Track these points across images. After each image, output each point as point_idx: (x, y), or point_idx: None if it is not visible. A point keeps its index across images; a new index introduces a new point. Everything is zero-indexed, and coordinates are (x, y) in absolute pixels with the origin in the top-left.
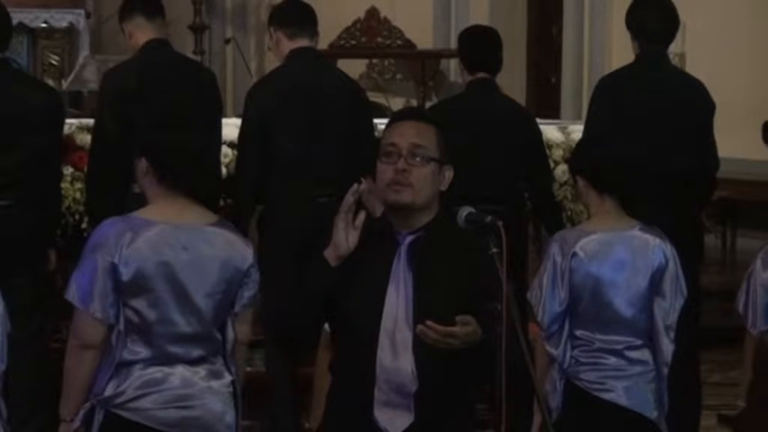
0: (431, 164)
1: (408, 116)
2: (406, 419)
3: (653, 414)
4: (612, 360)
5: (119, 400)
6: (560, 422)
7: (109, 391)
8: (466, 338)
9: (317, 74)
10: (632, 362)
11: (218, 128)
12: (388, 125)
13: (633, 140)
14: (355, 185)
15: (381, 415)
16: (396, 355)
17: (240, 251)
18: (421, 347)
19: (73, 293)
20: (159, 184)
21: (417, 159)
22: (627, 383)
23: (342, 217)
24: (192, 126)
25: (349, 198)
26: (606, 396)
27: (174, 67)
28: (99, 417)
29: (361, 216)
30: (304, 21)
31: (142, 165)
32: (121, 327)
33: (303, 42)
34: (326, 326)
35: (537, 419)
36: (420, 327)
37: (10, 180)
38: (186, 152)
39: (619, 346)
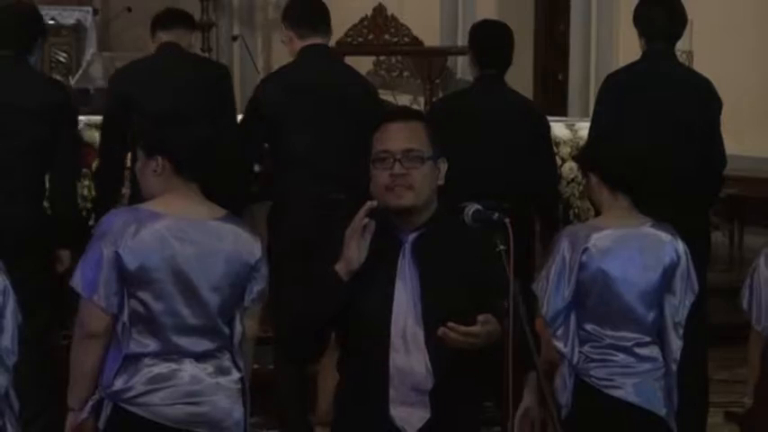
0: (426, 163)
1: (395, 117)
2: (422, 416)
3: (662, 411)
4: (621, 357)
5: (127, 395)
6: (570, 419)
7: (117, 386)
8: (487, 337)
9: (327, 70)
10: (641, 359)
11: (230, 122)
12: (376, 129)
13: (639, 137)
14: (369, 203)
15: (398, 413)
16: (408, 353)
17: (248, 246)
18: (433, 344)
19: (77, 281)
20: (176, 180)
21: (413, 162)
22: (636, 380)
23: (354, 235)
24: (200, 120)
25: (362, 215)
26: (615, 393)
27: (181, 65)
28: (107, 410)
29: (371, 227)
30: (315, 20)
31: (153, 164)
32: (125, 318)
33: (315, 40)
34: None
35: (527, 400)
36: (442, 329)
37: (9, 171)
38: (202, 145)
39: (628, 343)
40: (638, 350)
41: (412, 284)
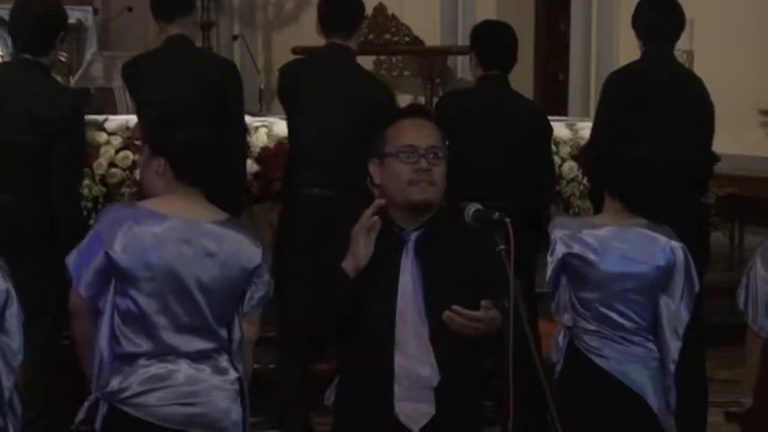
0: (443, 161)
1: (415, 114)
2: (427, 413)
3: (650, 398)
4: (617, 339)
5: (122, 396)
6: (563, 380)
7: (113, 386)
8: (490, 323)
9: (339, 68)
10: (633, 344)
11: (233, 122)
12: (392, 123)
13: (641, 138)
14: (377, 201)
15: (402, 410)
16: (414, 350)
17: (247, 251)
18: (438, 340)
19: (72, 260)
20: (176, 182)
21: (435, 158)
22: (622, 357)
23: (363, 232)
24: (204, 122)
25: (370, 213)
26: (600, 362)
27: (185, 61)
28: (102, 410)
29: (378, 224)
30: (332, 22)
31: (156, 163)
32: (108, 311)
33: (335, 40)
34: None
35: None
36: (447, 313)
37: (14, 172)
38: (203, 150)
39: (619, 333)
40: (630, 337)
41: (415, 282)
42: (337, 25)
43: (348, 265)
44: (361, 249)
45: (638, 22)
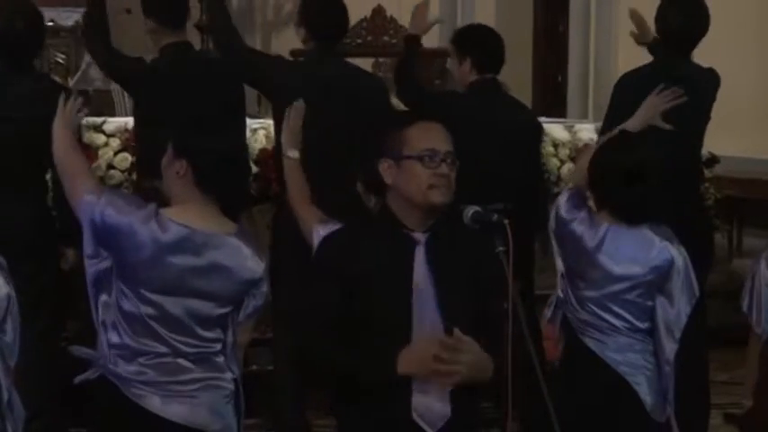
0: (456, 166)
1: (428, 117)
2: (443, 415)
3: (644, 393)
4: (610, 333)
5: (123, 377)
6: (564, 359)
7: (117, 369)
8: (475, 366)
9: (336, 71)
10: (625, 336)
11: (238, 126)
12: (408, 125)
13: (636, 145)
14: (471, 343)
15: (419, 413)
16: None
17: (251, 265)
18: None
19: (108, 192)
20: (194, 188)
21: (452, 164)
22: (615, 345)
23: (439, 360)
24: (227, 130)
25: (458, 353)
26: (590, 344)
27: (196, 68)
28: (93, 374)
29: None
30: (333, 28)
31: (178, 165)
32: (108, 301)
33: (329, 43)
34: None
35: None
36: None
37: (14, 172)
38: (229, 162)
39: (616, 333)
40: (625, 334)
41: (429, 284)
42: (332, 30)
43: (402, 366)
44: (425, 368)
45: (662, 22)
